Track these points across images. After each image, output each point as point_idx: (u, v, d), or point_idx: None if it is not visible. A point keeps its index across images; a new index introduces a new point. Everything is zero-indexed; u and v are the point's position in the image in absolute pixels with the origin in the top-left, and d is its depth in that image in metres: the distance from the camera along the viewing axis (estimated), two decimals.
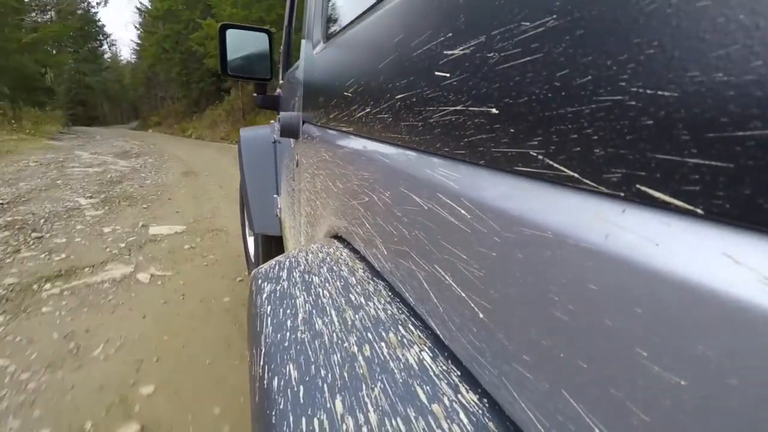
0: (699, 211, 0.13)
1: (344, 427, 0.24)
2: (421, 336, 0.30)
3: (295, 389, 0.28)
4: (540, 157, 0.19)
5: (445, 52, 0.27)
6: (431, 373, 0.26)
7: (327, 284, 0.41)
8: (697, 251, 0.13)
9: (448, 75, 0.27)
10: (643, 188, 0.15)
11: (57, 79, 27.91)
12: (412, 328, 0.31)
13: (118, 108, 32.46)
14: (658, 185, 0.14)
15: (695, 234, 0.13)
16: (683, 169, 0.13)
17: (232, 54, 1.49)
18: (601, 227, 0.16)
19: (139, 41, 26.44)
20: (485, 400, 0.23)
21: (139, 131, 19.13)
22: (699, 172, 0.13)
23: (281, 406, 0.27)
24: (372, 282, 0.39)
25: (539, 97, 0.19)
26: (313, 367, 0.29)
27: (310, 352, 0.31)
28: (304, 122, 0.85)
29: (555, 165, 0.19)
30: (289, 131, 0.88)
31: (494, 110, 0.22)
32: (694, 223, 0.13)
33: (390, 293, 0.36)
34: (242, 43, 1.52)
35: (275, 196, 1.74)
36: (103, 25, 29.33)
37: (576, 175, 0.18)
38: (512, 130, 0.21)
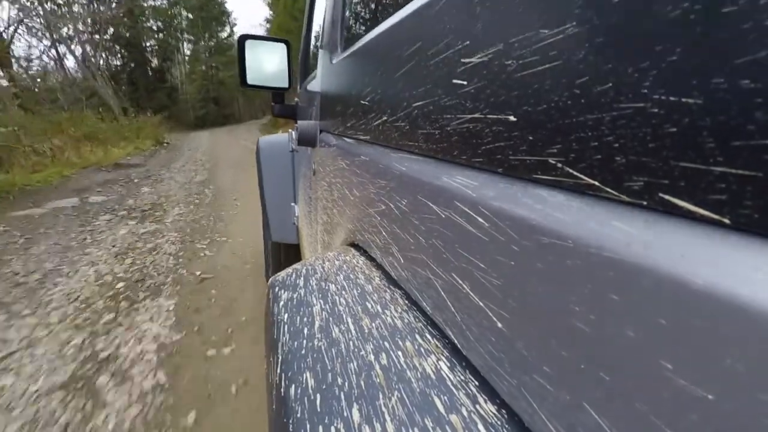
0: (726, 221, 0.13)
1: None
2: (439, 345, 0.29)
3: (312, 398, 0.28)
4: (559, 165, 0.19)
5: (462, 59, 0.27)
6: (449, 383, 0.26)
7: (344, 292, 0.41)
8: (725, 262, 0.13)
9: (465, 83, 0.27)
10: (667, 197, 0.14)
11: (190, 77, 25.42)
12: (429, 336, 0.31)
13: (252, 103, 27.51)
14: (682, 194, 0.14)
15: (722, 245, 0.13)
16: (708, 177, 0.13)
17: (251, 64, 1.52)
18: (623, 236, 0.16)
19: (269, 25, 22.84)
20: (504, 412, 0.23)
21: (265, 132, 12.57)
22: (725, 180, 0.13)
23: (298, 415, 0.27)
24: (389, 290, 0.39)
25: (558, 104, 0.19)
26: (329, 375, 0.29)
27: (326, 360, 0.31)
28: (321, 131, 0.86)
29: (574, 173, 0.18)
30: (307, 140, 0.89)
31: (512, 117, 0.22)
32: (722, 233, 0.13)
33: (407, 301, 0.36)
34: (261, 54, 1.55)
35: (293, 204, 1.76)
36: (224, 2, 26.09)
37: (596, 183, 0.17)
38: (530, 138, 0.21)
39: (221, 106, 25.75)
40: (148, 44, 22.74)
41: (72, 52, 15.42)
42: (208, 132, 17.81)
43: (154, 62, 23.18)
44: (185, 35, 25.85)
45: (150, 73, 22.31)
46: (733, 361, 0.12)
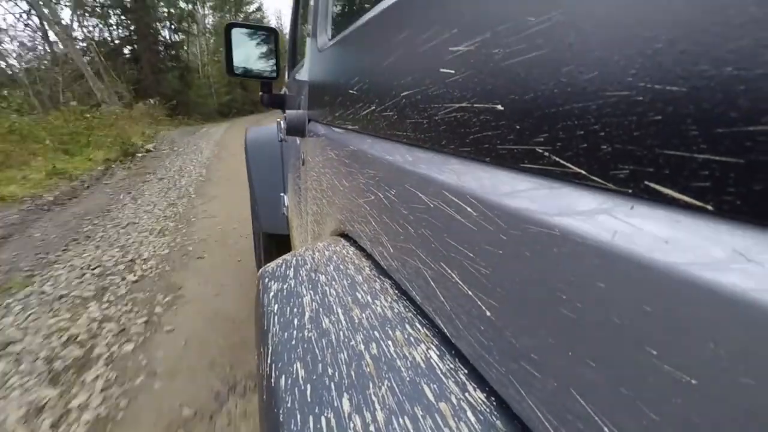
0: (709, 207, 0.13)
1: (351, 425, 0.24)
2: (428, 334, 0.30)
3: (303, 388, 0.28)
4: (546, 153, 0.19)
5: (449, 48, 0.27)
6: (438, 372, 0.26)
7: (333, 282, 0.41)
8: (708, 249, 0.13)
9: (453, 71, 0.26)
10: (652, 185, 0.15)
11: (212, 59, 20.42)
12: (418, 326, 0.31)
13: None
14: (667, 182, 0.14)
15: (706, 231, 0.13)
16: (692, 165, 0.13)
17: (237, 53, 1.49)
18: (609, 224, 0.16)
19: None
20: (493, 399, 0.23)
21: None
22: (708, 168, 0.13)
23: (289, 405, 0.27)
24: (378, 280, 0.39)
25: (545, 93, 0.19)
26: (320, 365, 0.29)
27: (317, 351, 0.31)
28: (309, 120, 0.85)
29: (561, 162, 0.18)
30: (295, 129, 0.88)
31: (500, 107, 0.22)
32: (705, 220, 0.13)
33: (397, 291, 0.36)
34: (248, 42, 1.53)
35: (282, 194, 1.75)
36: None
37: (583, 171, 0.17)
38: (518, 127, 0.21)
39: (250, 91, 20.85)
40: (154, 10, 16.51)
41: (42, 16, 10.78)
42: (226, 125, 12.75)
43: (165, 34, 17.19)
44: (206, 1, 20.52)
45: (160, 50, 16.73)
46: (716, 346, 0.12)
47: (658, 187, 0.14)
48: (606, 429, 0.15)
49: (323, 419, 0.25)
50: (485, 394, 0.24)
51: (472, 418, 0.22)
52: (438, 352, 0.28)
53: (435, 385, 0.25)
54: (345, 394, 0.26)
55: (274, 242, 1.93)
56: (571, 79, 0.18)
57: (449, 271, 0.26)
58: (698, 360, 0.12)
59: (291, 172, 1.36)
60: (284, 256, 0.52)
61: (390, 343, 0.30)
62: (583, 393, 0.17)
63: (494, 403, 0.23)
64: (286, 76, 1.73)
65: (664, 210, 0.15)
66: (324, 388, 0.27)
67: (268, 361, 0.33)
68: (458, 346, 0.26)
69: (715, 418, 0.12)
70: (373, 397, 0.25)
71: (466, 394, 0.24)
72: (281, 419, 0.27)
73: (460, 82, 0.26)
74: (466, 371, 0.26)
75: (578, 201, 0.18)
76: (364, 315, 0.34)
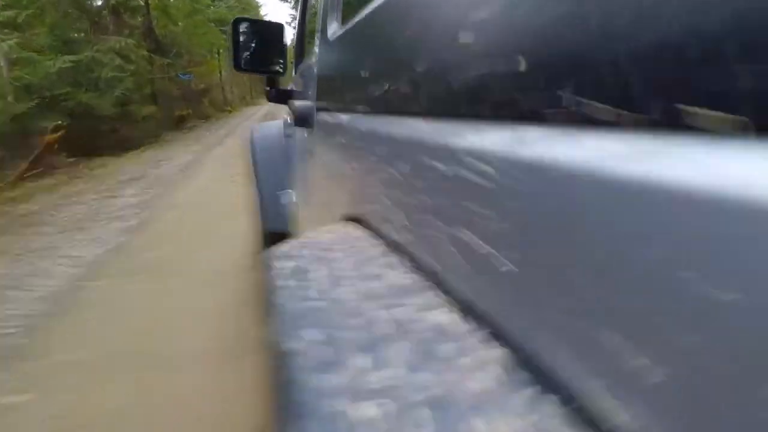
0: (751, 131, 0.13)
1: (365, 381, 0.24)
2: (443, 300, 0.29)
3: (314, 350, 0.28)
4: (569, 100, 0.19)
5: (462, 11, 0.27)
6: (457, 332, 0.26)
7: (345, 258, 0.41)
8: (752, 173, 0.12)
9: (471, 31, 0.26)
10: (683, 116, 0.14)
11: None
12: (432, 293, 0.31)
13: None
14: (700, 115, 0.14)
15: (747, 156, 0.13)
16: (730, 89, 0.13)
17: (244, 48, 1.50)
18: (639, 165, 0.16)
19: None
20: (514, 354, 0.23)
21: None
22: (744, 93, 0.12)
23: (300, 365, 0.27)
24: (391, 255, 0.39)
25: (567, 40, 0.19)
26: (331, 330, 0.29)
27: (328, 317, 0.31)
28: (318, 110, 0.85)
29: (587, 105, 0.18)
30: (303, 119, 0.88)
31: (520, 58, 0.22)
32: (744, 143, 0.13)
33: (410, 263, 0.36)
34: (255, 37, 1.53)
35: (288, 190, 1.75)
36: None
37: (609, 107, 0.17)
38: (541, 78, 0.21)
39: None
40: None
41: None
42: None
43: None
44: None
45: None
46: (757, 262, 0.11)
47: (691, 119, 0.14)
48: (631, 362, 0.15)
49: (335, 378, 0.25)
50: (506, 350, 0.23)
51: (493, 372, 0.22)
52: (455, 315, 0.27)
53: (453, 344, 0.25)
54: (360, 353, 0.26)
55: (278, 240, 1.92)
56: (589, 26, 0.18)
57: (466, 237, 0.26)
58: (737, 277, 0.12)
59: (298, 167, 1.36)
60: (293, 240, 0.52)
61: (403, 309, 0.29)
62: (608, 346, 0.16)
63: (516, 359, 0.23)
64: (293, 73, 1.74)
65: (700, 142, 0.14)
66: (336, 349, 0.27)
67: (278, 329, 0.33)
68: (477, 307, 0.26)
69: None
70: (390, 356, 0.25)
71: (486, 351, 0.24)
72: (292, 378, 0.26)
73: (479, 39, 0.26)
74: (487, 330, 0.25)
75: (604, 146, 0.18)
76: (376, 285, 0.34)
